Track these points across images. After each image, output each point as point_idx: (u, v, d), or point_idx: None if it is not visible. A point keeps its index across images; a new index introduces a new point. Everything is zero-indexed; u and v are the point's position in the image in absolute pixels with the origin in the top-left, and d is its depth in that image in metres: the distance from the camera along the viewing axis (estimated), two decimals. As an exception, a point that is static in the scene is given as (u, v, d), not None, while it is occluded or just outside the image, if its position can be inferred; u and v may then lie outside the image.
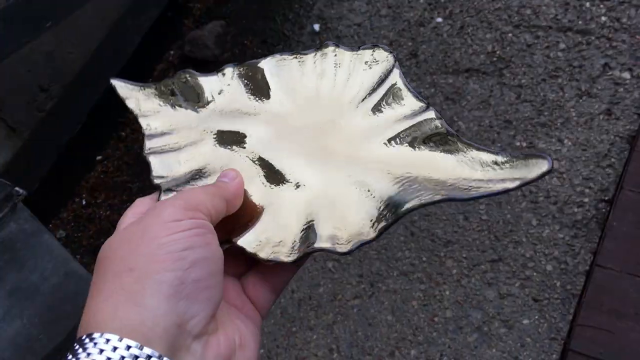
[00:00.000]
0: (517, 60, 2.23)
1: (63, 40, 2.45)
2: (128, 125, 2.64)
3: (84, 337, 0.36)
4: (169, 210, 0.44)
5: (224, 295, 0.45)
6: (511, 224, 1.95)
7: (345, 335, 1.93)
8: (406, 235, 2.03)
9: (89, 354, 0.35)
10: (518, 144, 2.08)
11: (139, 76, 2.67)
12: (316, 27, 2.62)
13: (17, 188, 1.72)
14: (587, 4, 2.24)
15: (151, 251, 0.41)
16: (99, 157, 2.54)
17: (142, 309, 0.37)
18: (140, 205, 0.54)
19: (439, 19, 2.42)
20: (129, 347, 0.35)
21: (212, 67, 2.70)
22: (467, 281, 1.91)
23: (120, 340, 0.35)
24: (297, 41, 2.62)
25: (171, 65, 2.76)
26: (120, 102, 0.61)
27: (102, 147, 2.57)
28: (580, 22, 2.22)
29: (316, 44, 2.58)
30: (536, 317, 1.81)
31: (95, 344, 0.36)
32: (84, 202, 2.43)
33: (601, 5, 2.22)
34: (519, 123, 2.11)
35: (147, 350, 0.35)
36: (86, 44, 2.56)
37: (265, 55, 0.62)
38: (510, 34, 2.29)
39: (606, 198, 1.90)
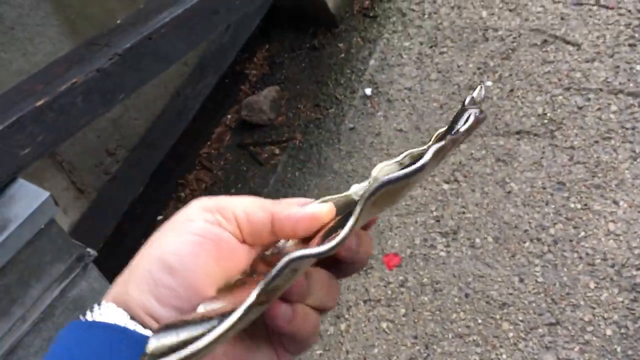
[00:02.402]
0: (569, 122, 2.25)
1: (129, 108, 2.61)
2: (187, 187, 2.75)
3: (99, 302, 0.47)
4: (189, 207, 0.45)
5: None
6: (568, 286, 1.94)
7: (401, 398, 1.92)
8: (460, 297, 2.03)
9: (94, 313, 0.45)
10: (572, 205, 2.08)
11: (198, 139, 2.81)
12: (368, 91, 2.71)
13: (88, 249, 1.82)
14: (638, 67, 2.27)
15: (152, 248, 0.45)
16: (159, 217, 2.65)
17: (128, 296, 0.45)
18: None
19: (489, 83, 2.48)
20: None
21: (268, 130, 2.81)
22: (525, 345, 1.89)
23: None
24: (349, 105, 2.72)
25: (229, 128, 2.89)
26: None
27: (163, 207, 2.68)
28: (631, 85, 2.24)
29: (367, 107, 2.67)
30: (597, 383, 1.77)
31: (100, 307, 0.46)
32: (145, 261, 2.53)
33: (652, 68, 2.24)
34: (573, 185, 2.12)
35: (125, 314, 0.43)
36: (150, 110, 2.72)
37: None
38: (560, 97, 2.33)
39: (666, 261, 1.87)
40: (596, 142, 2.17)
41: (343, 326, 2.14)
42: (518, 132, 2.32)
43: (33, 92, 1.79)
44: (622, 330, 1.82)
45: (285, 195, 2.56)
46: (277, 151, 2.74)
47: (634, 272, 1.90)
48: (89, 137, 2.45)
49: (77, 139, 2.38)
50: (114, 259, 2.47)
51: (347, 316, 2.15)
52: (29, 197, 1.56)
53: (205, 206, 0.45)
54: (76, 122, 1.73)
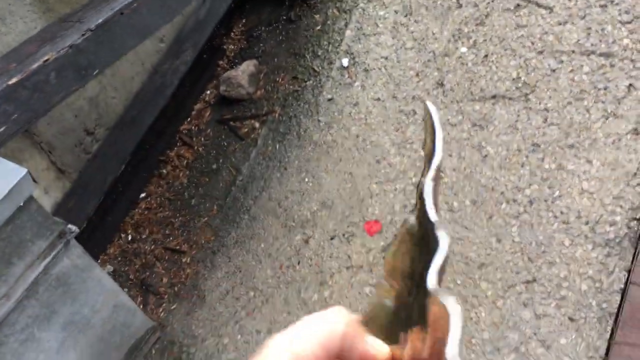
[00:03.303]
0: (542, 84, 2.28)
1: (106, 86, 2.61)
2: (168, 163, 2.76)
3: None
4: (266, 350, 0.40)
5: None
6: (544, 245, 1.98)
7: None
8: (440, 260, 2.07)
9: None
10: (547, 166, 2.12)
11: (177, 115, 2.81)
12: (345, 61, 2.72)
13: (69, 225, 1.83)
14: (609, 28, 2.29)
15: None
16: (142, 195, 2.66)
17: None
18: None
19: (464, 49, 2.50)
20: None
21: (247, 104, 2.82)
22: (503, 303, 1.94)
23: None
24: (327, 76, 2.73)
25: (208, 104, 2.89)
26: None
27: (145, 185, 2.69)
28: (602, 46, 2.27)
29: (345, 77, 2.68)
30: (573, 336, 1.82)
31: None
32: (129, 238, 2.55)
33: (623, 29, 2.27)
34: (547, 146, 2.15)
35: None
36: (127, 88, 2.71)
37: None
38: (534, 60, 2.35)
39: (638, 216, 1.92)
40: (569, 103, 2.20)
41: (327, 293, 2.17)
42: (493, 97, 2.34)
43: (6, 70, 1.78)
44: (597, 285, 1.87)
45: (267, 168, 2.58)
46: (256, 125, 2.75)
47: (608, 228, 1.94)
48: (67, 117, 2.45)
49: (55, 119, 2.38)
50: (97, 238, 2.49)
51: (330, 283, 2.19)
52: (6, 174, 1.57)
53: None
54: (50, 99, 1.74)
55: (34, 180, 1.63)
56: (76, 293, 1.89)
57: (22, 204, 1.62)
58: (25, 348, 1.78)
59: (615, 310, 1.82)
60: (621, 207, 1.96)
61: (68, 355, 1.93)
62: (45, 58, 1.75)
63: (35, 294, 1.76)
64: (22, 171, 1.58)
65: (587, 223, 1.97)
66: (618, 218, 1.94)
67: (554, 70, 2.30)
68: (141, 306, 2.31)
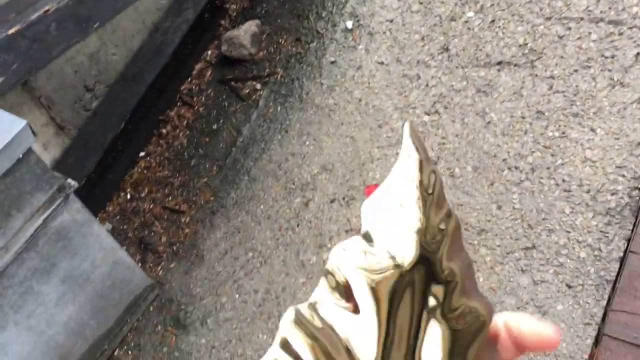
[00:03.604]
0: (549, 51, 2.25)
1: (106, 42, 2.57)
2: (168, 123, 2.74)
3: None
4: None
5: None
6: (544, 212, 1.98)
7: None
8: (440, 225, 2.07)
9: None
10: (550, 133, 2.10)
11: (178, 74, 2.78)
12: (349, 24, 2.68)
13: (69, 180, 1.82)
14: (619, -5, 2.25)
15: None
16: (142, 154, 2.64)
17: None
18: None
19: (470, 13, 2.46)
20: None
21: (248, 65, 2.78)
22: (501, 268, 1.94)
23: None
24: (330, 38, 2.69)
25: (209, 63, 2.85)
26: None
27: (145, 144, 2.68)
28: (612, 13, 2.23)
29: (349, 40, 2.65)
30: (570, 302, 1.83)
31: None
32: (128, 196, 2.54)
33: (633, -4, 2.23)
34: (552, 113, 2.13)
35: None
36: (128, 45, 2.67)
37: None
38: (541, 26, 2.31)
39: (639, 186, 1.91)
40: (575, 70, 2.18)
41: (325, 255, 2.18)
42: (499, 63, 2.31)
43: (5, 21, 1.75)
44: (596, 253, 1.88)
45: (268, 130, 2.56)
46: (258, 86, 2.72)
47: (609, 197, 1.94)
48: (67, 72, 2.41)
49: (55, 73, 2.35)
50: (96, 195, 2.48)
51: (329, 246, 2.19)
52: (5, 125, 1.55)
53: None
54: (51, 50, 1.71)
55: (33, 132, 1.61)
56: (76, 248, 1.89)
57: (21, 156, 1.60)
58: (24, 300, 1.78)
59: (613, 278, 1.83)
60: (623, 176, 1.95)
61: (67, 309, 1.93)
62: (46, 8, 1.72)
63: (34, 247, 1.76)
64: (22, 122, 1.56)
65: (588, 191, 1.97)
66: (620, 187, 1.94)
67: (561, 37, 2.27)
68: (140, 264, 2.31)
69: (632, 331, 1.72)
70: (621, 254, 1.85)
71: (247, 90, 2.72)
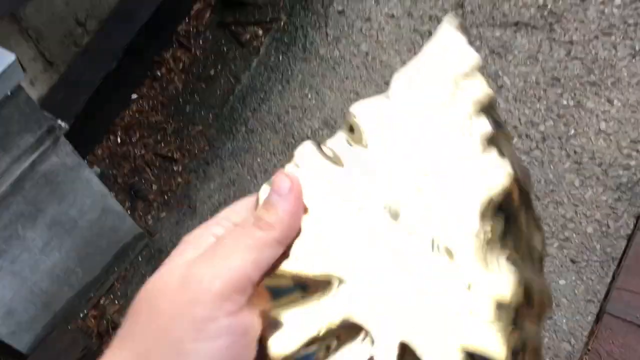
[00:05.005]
0: (570, 15, 2.15)
1: (101, -26, 2.40)
2: (163, 65, 2.60)
3: None
4: (201, 305, 0.34)
5: None
6: (553, 183, 1.92)
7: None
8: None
9: None
10: (565, 102, 2.02)
11: (175, 14, 2.63)
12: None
13: (59, 121, 1.71)
14: (648, -41, 2.14)
15: (169, 355, 0.34)
16: (134, 96, 2.52)
17: None
18: (231, 213, 0.41)
19: (489, -31, 2.33)
20: None
21: (251, 9, 2.64)
22: (505, 239, 1.89)
23: None
24: (338, -14, 2.55)
25: (208, 5, 2.70)
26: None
27: (138, 85, 2.55)
28: (638, -22, 2.12)
29: (358, -11, 2.51)
30: (573, 278, 1.79)
31: None
32: (119, 140, 2.43)
33: (663, -39, 2.12)
34: (568, 81, 2.05)
35: None
36: (123, -22, 2.51)
37: None
38: (563, -12, 2.20)
39: (654, 162, 1.85)
40: (596, 37, 2.08)
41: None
42: (515, 24, 2.21)
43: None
44: (603, 229, 1.83)
45: (268, 80, 2.45)
46: (260, 32, 2.58)
47: (621, 172, 1.88)
48: (57, 3, 2.26)
49: (44, 3, 2.19)
50: (85, 137, 2.37)
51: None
52: (-8, 58, 1.43)
53: (224, 292, 0.35)
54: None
55: (22, 68, 1.49)
56: (64, 193, 1.79)
57: (9, 93, 1.49)
58: (9, 245, 1.70)
59: (620, 255, 1.78)
60: (637, 151, 1.89)
61: (52, 255, 1.85)
62: None
63: (21, 190, 1.66)
64: (11, 56, 1.44)
65: (600, 165, 1.90)
66: (633, 162, 1.88)
67: (583, 0, 2.16)
68: (129, 212, 2.23)
69: (634, 310, 1.69)
70: (629, 232, 1.80)
71: (248, 36, 2.59)
